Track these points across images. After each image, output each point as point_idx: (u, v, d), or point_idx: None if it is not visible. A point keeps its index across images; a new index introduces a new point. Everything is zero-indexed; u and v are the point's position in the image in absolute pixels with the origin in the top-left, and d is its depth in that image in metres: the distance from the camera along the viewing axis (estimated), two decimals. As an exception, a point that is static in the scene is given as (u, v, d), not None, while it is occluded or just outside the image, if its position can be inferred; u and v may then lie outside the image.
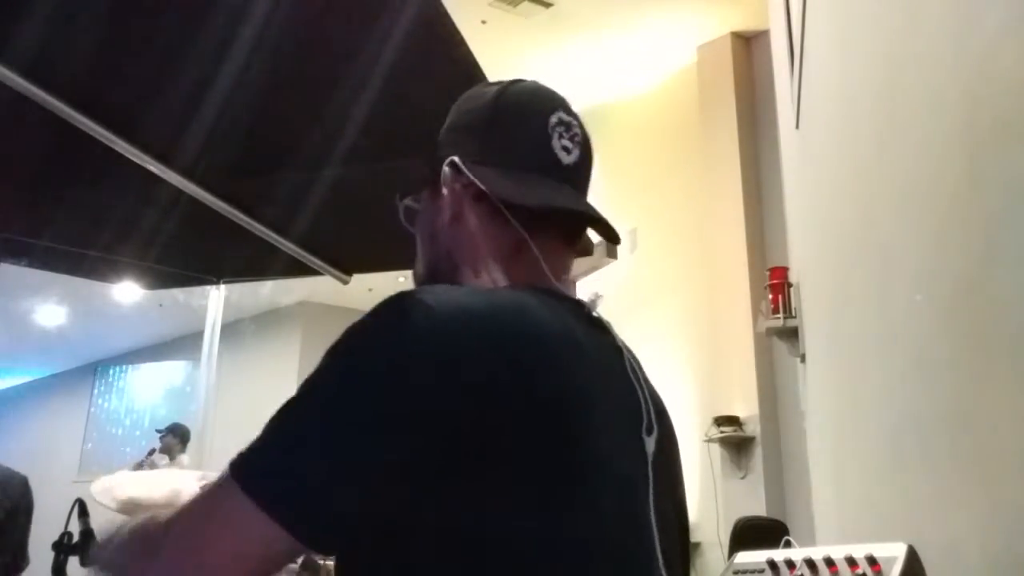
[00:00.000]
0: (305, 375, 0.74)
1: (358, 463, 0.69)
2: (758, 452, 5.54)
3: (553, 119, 0.93)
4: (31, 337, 10.86)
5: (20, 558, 3.74)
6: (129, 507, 2.13)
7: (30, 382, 13.30)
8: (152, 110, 2.16)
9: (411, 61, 1.91)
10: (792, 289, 4.16)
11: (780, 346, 4.52)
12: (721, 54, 6.39)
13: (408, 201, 1.00)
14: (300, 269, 3.14)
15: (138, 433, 11.16)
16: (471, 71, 2.00)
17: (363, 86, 1.98)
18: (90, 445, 11.80)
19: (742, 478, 5.59)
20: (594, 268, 4.48)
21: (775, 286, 4.27)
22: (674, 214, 6.42)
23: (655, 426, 0.86)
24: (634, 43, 6.44)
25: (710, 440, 5.59)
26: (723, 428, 5.56)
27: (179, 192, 2.45)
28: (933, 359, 1.34)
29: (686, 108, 6.53)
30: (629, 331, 0.89)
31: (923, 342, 1.40)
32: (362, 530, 0.71)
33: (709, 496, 5.55)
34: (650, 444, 0.84)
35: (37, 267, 3.35)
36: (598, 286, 0.98)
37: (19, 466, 4.18)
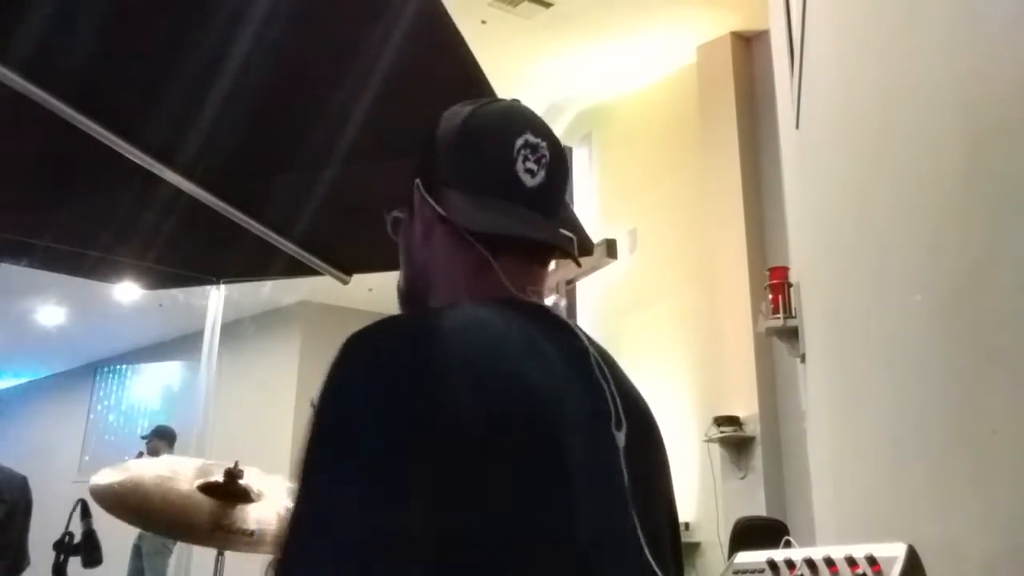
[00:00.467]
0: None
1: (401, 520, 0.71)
2: (758, 452, 5.54)
3: (519, 141, 0.95)
4: (31, 337, 10.87)
5: (20, 558, 3.74)
6: (126, 486, 2.14)
7: (30, 382, 13.30)
8: (152, 110, 2.16)
9: (411, 61, 1.91)
10: (792, 289, 4.16)
11: (780, 346, 4.51)
12: (721, 54, 6.39)
13: (396, 212, 1.03)
14: (300, 269, 3.14)
15: (138, 433, 11.15)
16: (471, 71, 1.99)
17: (363, 86, 1.98)
18: (90, 445, 11.81)
19: (742, 478, 5.59)
20: (594, 268, 4.48)
21: (775, 286, 4.27)
22: (674, 214, 6.42)
23: (623, 421, 0.87)
24: (634, 43, 6.44)
25: (710, 440, 5.59)
26: (723, 428, 5.56)
27: (179, 192, 2.45)
28: (933, 359, 1.34)
29: (686, 108, 6.53)
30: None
31: (923, 342, 1.40)
32: None
33: (709, 496, 5.55)
34: (620, 439, 0.86)
35: (37, 267, 3.35)
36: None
37: (19, 466, 4.18)
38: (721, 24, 6.32)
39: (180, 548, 3.08)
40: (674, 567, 0.91)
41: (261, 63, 1.94)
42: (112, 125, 2.15)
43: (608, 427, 0.86)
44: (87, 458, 11.52)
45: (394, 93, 2.01)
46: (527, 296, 0.93)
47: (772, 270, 4.52)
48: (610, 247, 4.37)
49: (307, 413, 0.77)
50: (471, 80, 2.00)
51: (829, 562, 1.11)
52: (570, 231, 0.97)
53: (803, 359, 3.87)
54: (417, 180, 0.96)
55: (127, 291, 7.12)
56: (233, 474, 2.18)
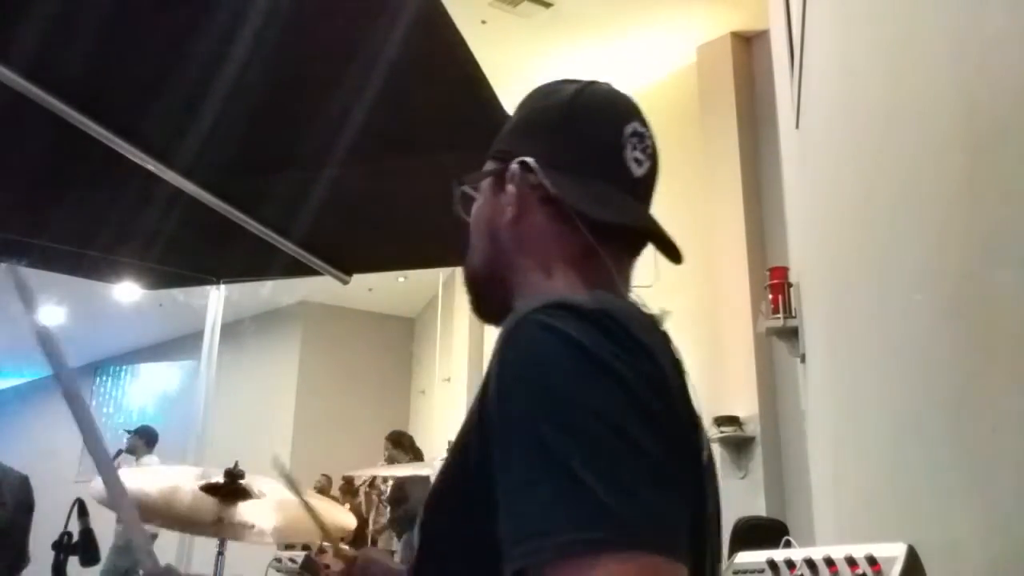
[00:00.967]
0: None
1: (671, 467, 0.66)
2: (758, 452, 5.54)
3: (628, 129, 0.91)
4: (31, 337, 10.86)
5: (20, 557, 3.74)
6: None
7: (30, 382, 13.31)
8: (152, 110, 2.16)
9: (411, 61, 1.91)
10: (792, 289, 4.16)
11: (780, 346, 4.51)
12: (721, 54, 6.40)
13: (466, 188, 0.96)
14: (300, 269, 3.14)
15: (126, 429, 11.15)
16: (471, 71, 1.99)
17: (363, 86, 1.98)
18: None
19: (742, 478, 5.59)
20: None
21: (775, 286, 4.27)
22: (674, 214, 6.39)
23: (707, 439, 0.84)
24: (634, 43, 6.44)
25: (710, 440, 5.59)
26: (723, 428, 5.56)
27: (179, 192, 2.45)
28: (933, 359, 1.34)
29: (686, 108, 6.53)
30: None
31: (923, 342, 1.40)
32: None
33: (709, 496, 5.55)
34: (704, 455, 0.81)
35: (37, 267, 3.35)
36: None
37: (19, 466, 4.18)
38: (721, 24, 6.32)
39: (181, 542, 3.07)
40: None
41: (261, 63, 1.94)
42: (112, 125, 2.15)
43: (699, 446, 0.81)
44: (87, 458, 11.51)
45: (394, 93, 2.01)
46: (627, 290, 0.89)
47: (772, 270, 4.52)
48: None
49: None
50: (471, 80, 2.00)
51: (829, 562, 1.11)
52: None
53: (803, 359, 3.87)
54: (525, 159, 0.88)
55: (127, 291, 7.11)
56: (233, 474, 2.18)
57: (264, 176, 2.56)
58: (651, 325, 0.80)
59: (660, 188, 0.96)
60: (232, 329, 4.04)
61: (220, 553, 2.24)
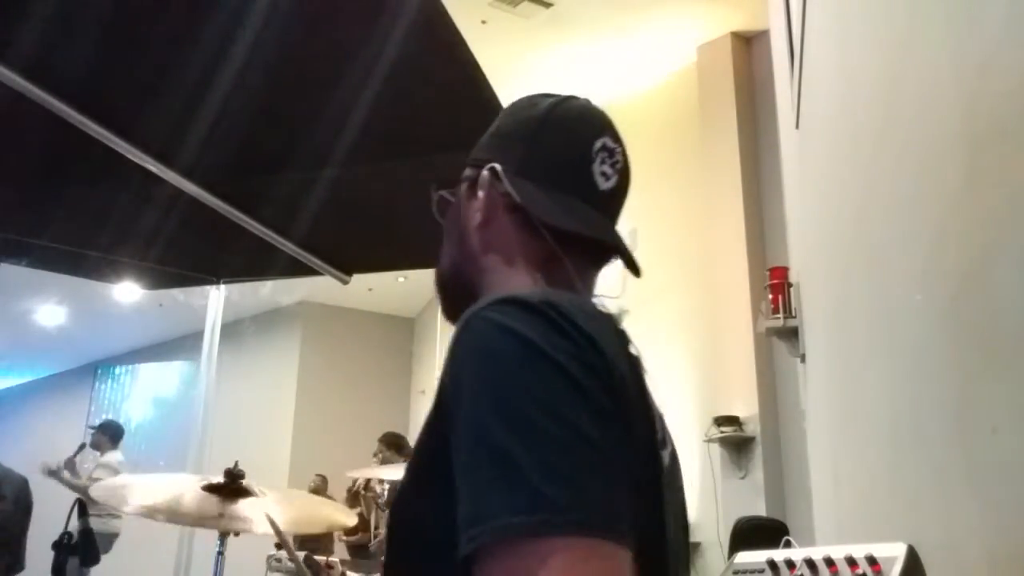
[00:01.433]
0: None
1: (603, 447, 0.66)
2: (758, 452, 5.54)
3: (598, 143, 0.94)
4: (31, 337, 10.87)
5: (17, 558, 3.74)
6: (130, 510, 2.14)
7: (30, 382, 13.31)
8: (152, 110, 2.16)
9: (411, 61, 1.91)
10: (792, 289, 4.16)
11: (780, 346, 4.51)
12: (721, 54, 6.40)
13: (444, 192, 1.00)
14: (300, 269, 3.14)
15: (138, 433, 11.15)
16: (471, 71, 2.00)
17: (363, 86, 1.98)
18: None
19: (742, 478, 5.59)
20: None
21: (775, 286, 4.27)
22: (674, 214, 6.42)
23: (667, 441, 0.86)
24: (634, 43, 6.44)
25: (710, 440, 5.59)
26: (723, 428, 5.56)
27: (179, 192, 2.45)
28: (933, 359, 1.34)
29: (686, 108, 6.53)
30: (628, 331, 0.89)
31: (923, 342, 1.40)
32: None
33: (709, 496, 5.55)
34: (665, 457, 0.83)
35: (37, 267, 3.35)
36: (597, 285, 0.98)
37: (19, 466, 4.18)
38: (721, 24, 6.32)
39: (182, 539, 3.08)
40: None
41: (261, 63, 1.94)
42: (112, 125, 2.15)
43: (655, 444, 0.82)
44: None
45: (394, 93, 2.01)
46: (589, 296, 0.91)
47: (772, 270, 4.52)
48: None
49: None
50: (471, 80, 2.01)
51: (829, 562, 1.11)
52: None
53: (803, 359, 3.87)
54: (494, 165, 0.92)
55: (127, 291, 7.12)
56: (233, 474, 2.18)
57: (264, 176, 2.56)
58: (602, 319, 0.81)
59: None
60: (232, 329, 4.04)
61: (220, 552, 2.24)
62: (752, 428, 5.57)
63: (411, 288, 10.19)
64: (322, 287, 5.85)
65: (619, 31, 6.27)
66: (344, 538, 6.88)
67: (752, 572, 1.18)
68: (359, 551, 6.77)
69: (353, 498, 7.21)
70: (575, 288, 0.88)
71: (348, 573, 1.27)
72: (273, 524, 1.53)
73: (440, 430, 0.71)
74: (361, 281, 3.36)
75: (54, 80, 1.98)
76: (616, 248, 0.95)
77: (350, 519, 2.54)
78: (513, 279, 0.90)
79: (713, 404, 5.74)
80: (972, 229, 1.12)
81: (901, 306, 1.54)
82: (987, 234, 1.07)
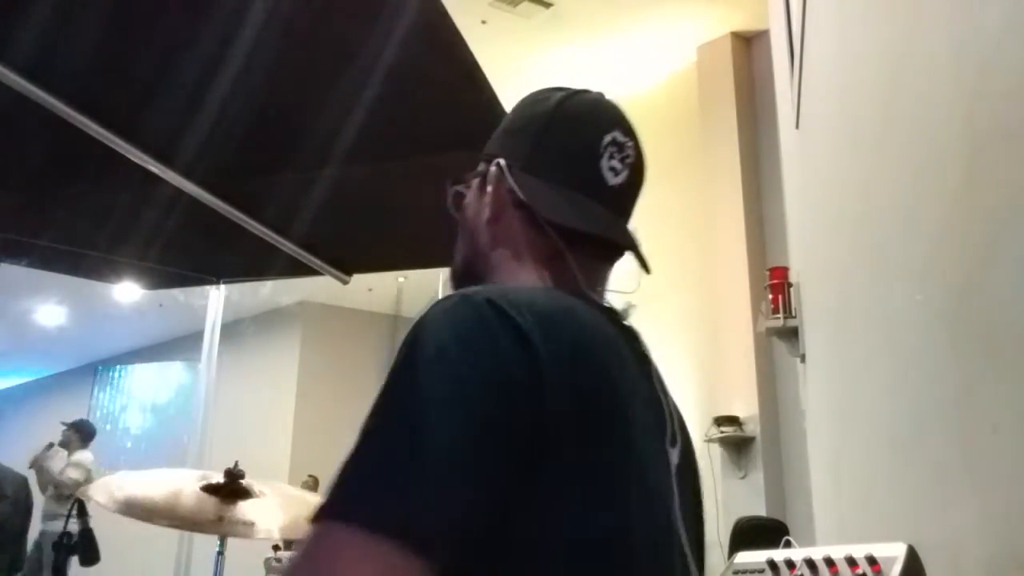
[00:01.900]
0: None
1: (468, 469, 0.67)
2: (758, 452, 5.54)
3: (607, 138, 0.93)
4: (31, 337, 10.87)
5: (18, 557, 3.74)
6: (127, 507, 2.14)
7: (30, 382, 13.30)
8: (152, 110, 2.16)
9: (411, 61, 1.91)
10: (792, 289, 4.16)
11: (780, 346, 4.51)
12: (721, 54, 6.39)
13: (459, 187, 1.00)
14: (300, 269, 3.14)
15: (138, 433, 11.16)
16: (471, 71, 1.99)
17: (363, 86, 1.98)
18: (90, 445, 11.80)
19: (742, 478, 5.59)
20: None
21: (775, 286, 4.27)
22: (674, 214, 6.42)
23: (678, 438, 0.85)
24: (634, 43, 6.44)
25: (710, 440, 5.59)
26: (723, 428, 5.56)
27: (179, 192, 2.45)
28: (933, 359, 1.34)
29: (686, 108, 6.53)
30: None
31: (923, 342, 1.40)
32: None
33: (709, 496, 5.44)
34: (674, 456, 0.83)
35: (37, 267, 3.35)
36: (611, 280, 0.97)
37: (19, 466, 4.18)
38: (721, 24, 6.32)
39: (181, 541, 3.07)
40: None
41: (261, 63, 1.94)
42: (112, 125, 2.15)
43: (664, 441, 0.83)
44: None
45: (394, 93, 2.01)
46: (596, 295, 0.91)
47: (772, 270, 4.52)
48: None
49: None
50: (471, 80, 2.01)
51: (829, 562, 1.11)
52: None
53: (803, 359, 3.87)
54: (500, 160, 0.92)
55: (127, 291, 7.11)
56: (233, 474, 2.18)
57: (264, 176, 2.56)
58: (568, 317, 0.79)
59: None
60: (232, 329, 4.04)
61: (220, 553, 2.25)
62: (752, 428, 5.57)
63: (411, 288, 10.19)
64: (322, 287, 5.85)
65: (619, 31, 6.27)
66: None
67: (752, 572, 1.19)
68: None
69: None
70: (578, 285, 0.87)
71: None
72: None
73: None
74: (361, 281, 3.35)
75: (54, 80, 1.98)
76: (623, 244, 0.94)
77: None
78: (520, 275, 0.90)
79: (713, 404, 5.73)
80: (972, 229, 1.12)
81: (901, 306, 1.54)
82: (987, 234, 1.07)
